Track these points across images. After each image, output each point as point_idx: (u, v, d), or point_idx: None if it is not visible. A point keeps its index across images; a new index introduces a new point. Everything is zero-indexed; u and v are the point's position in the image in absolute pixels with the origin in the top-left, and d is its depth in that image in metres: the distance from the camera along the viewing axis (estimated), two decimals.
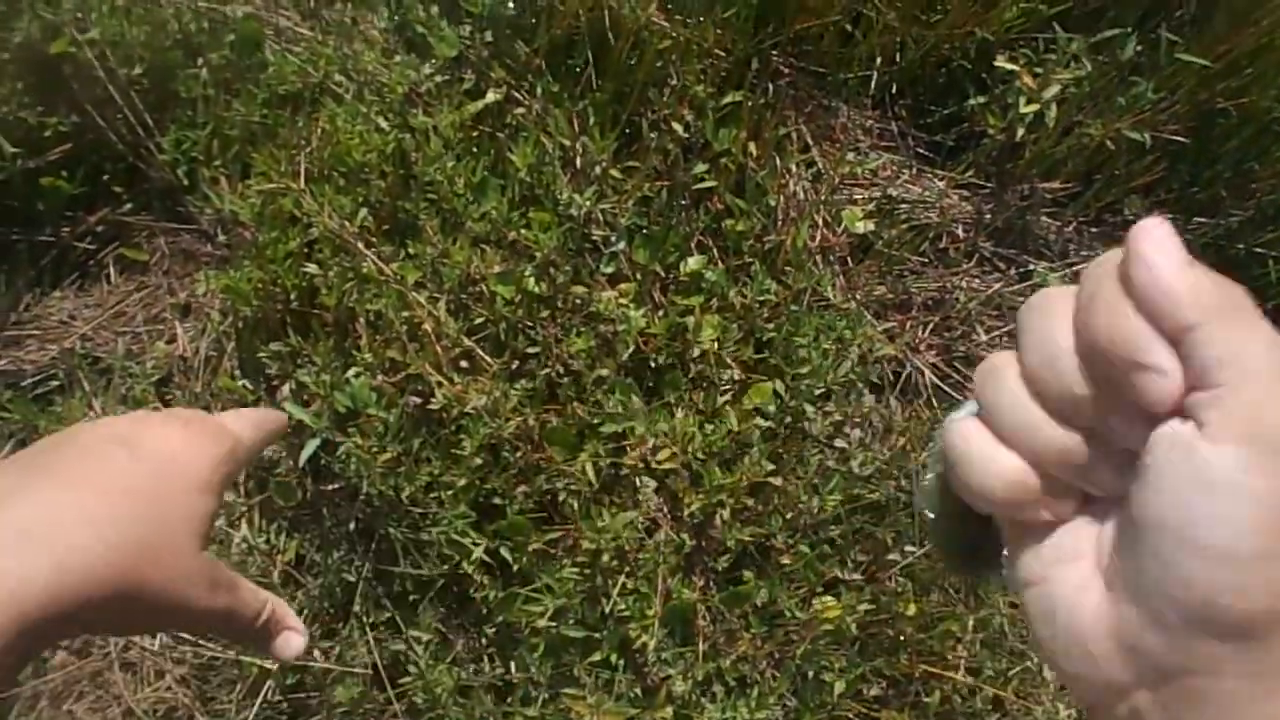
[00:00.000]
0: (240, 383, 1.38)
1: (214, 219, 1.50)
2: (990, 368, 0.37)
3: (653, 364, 1.47)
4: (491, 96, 1.53)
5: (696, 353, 1.47)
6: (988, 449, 0.36)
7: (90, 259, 1.50)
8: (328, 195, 1.39)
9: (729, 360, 1.46)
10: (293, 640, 0.55)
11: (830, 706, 1.44)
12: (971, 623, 1.51)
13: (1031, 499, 0.36)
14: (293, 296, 1.38)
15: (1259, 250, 1.68)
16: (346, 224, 1.39)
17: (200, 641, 1.32)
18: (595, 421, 1.40)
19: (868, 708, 1.48)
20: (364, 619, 1.37)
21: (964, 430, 0.37)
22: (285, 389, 1.35)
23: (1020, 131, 1.60)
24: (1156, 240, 0.32)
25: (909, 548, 1.49)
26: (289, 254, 1.37)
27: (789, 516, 1.41)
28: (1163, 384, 0.31)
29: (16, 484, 0.45)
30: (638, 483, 1.41)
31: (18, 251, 1.47)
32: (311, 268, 1.37)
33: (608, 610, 1.35)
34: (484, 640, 1.42)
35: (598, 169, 1.53)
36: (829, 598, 1.43)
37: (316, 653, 1.35)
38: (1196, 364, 0.31)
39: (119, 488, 0.46)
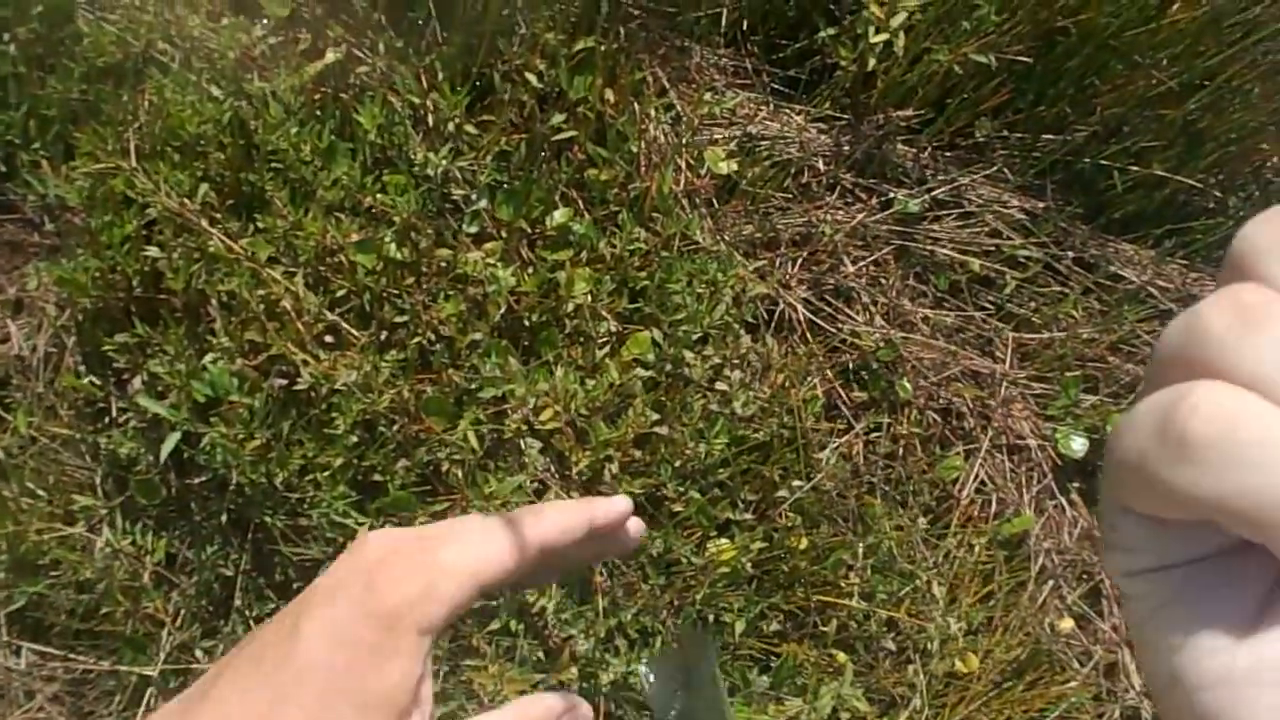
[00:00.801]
0: (86, 379, 1.29)
1: (39, 206, 1.39)
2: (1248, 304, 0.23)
3: (527, 323, 1.44)
4: (331, 56, 1.45)
5: (570, 308, 1.45)
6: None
7: None
8: (163, 172, 1.30)
9: (604, 313, 1.44)
10: None
11: (732, 646, 1.45)
12: (861, 549, 1.54)
13: None
14: (135, 283, 1.30)
15: (1104, 163, 1.74)
16: (186, 202, 1.30)
17: (70, 654, 1.24)
18: (473, 387, 1.36)
19: (768, 643, 1.50)
20: (247, 613, 1.32)
21: (1217, 403, 0.23)
22: (136, 382, 1.27)
23: (871, 62, 1.61)
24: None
25: (796, 483, 1.50)
26: (126, 238, 1.28)
27: (677, 464, 1.40)
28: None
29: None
30: (522, 445, 1.38)
31: None
32: (153, 251, 1.28)
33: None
34: None
35: (451, 126, 1.47)
36: (723, 540, 1.44)
37: (198, 653, 1.29)
38: None
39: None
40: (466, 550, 0.45)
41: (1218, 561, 0.26)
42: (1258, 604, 0.25)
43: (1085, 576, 1.75)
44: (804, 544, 1.49)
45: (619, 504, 0.51)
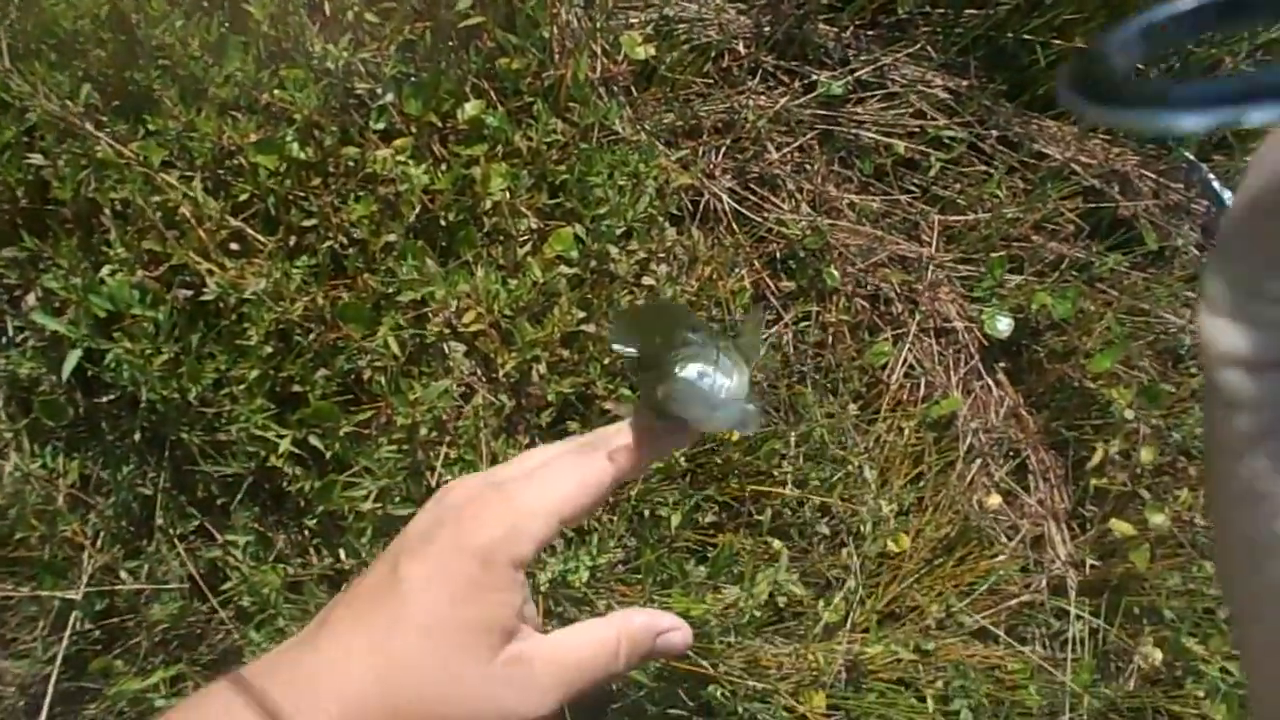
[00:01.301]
0: None
1: None
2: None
3: (443, 223, 1.39)
4: None
5: (488, 205, 1.40)
6: None
7: None
8: (40, 73, 1.21)
9: (523, 209, 1.39)
10: (674, 639, 0.53)
11: (669, 540, 1.45)
12: (794, 438, 1.54)
13: None
14: (20, 194, 1.22)
15: (1026, 37, 1.72)
16: (69, 104, 1.22)
17: None
18: (390, 291, 1.31)
19: (704, 535, 1.51)
20: (170, 531, 1.28)
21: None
22: (30, 298, 1.20)
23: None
24: None
25: None
26: (6, 145, 1.20)
27: (606, 362, 1.38)
28: None
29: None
30: (446, 349, 1.34)
31: None
32: (36, 158, 1.20)
33: (433, 484, 1.31)
34: (307, 533, 1.36)
35: (350, 14, 1.39)
36: None
37: (123, 574, 1.26)
38: None
39: (382, 651, 0.46)
40: (545, 492, 0.49)
41: None
42: None
43: (1012, 454, 1.78)
44: (735, 435, 1.49)
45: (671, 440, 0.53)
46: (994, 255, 1.72)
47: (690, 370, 0.48)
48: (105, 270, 1.18)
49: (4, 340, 1.28)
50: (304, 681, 0.45)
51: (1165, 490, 1.75)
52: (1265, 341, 0.21)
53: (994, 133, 1.75)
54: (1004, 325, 1.72)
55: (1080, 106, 0.23)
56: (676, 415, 0.49)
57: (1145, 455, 1.69)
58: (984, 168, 1.75)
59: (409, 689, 0.45)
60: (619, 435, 0.51)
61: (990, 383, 1.76)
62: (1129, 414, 1.68)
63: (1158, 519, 1.66)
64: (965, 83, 1.74)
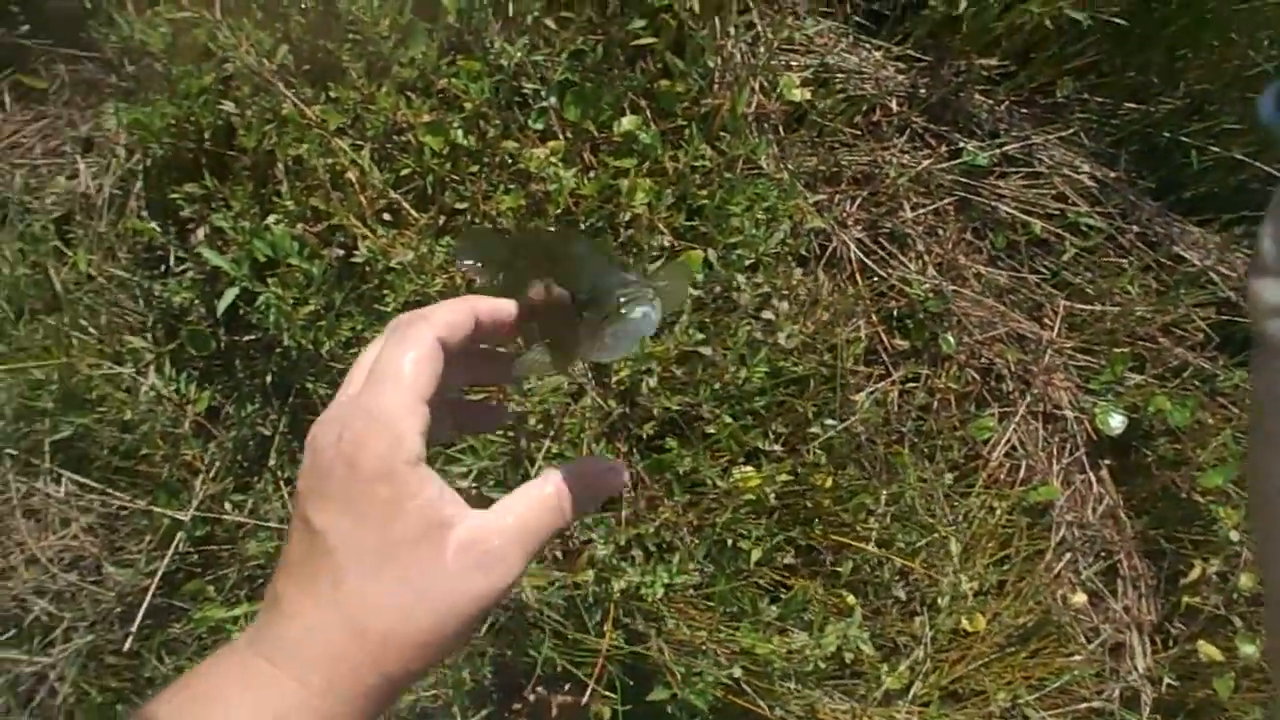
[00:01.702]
0: (151, 224, 1.30)
1: (119, 48, 1.39)
2: None
3: (583, 226, 1.44)
4: None
5: (628, 216, 1.44)
6: None
7: None
8: (245, 29, 1.30)
9: (661, 226, 1.44)
10: (611, 479, 0.54)
11: (745, 573, 1.47)
12: (884, 496, 1.54)
13: None
14: (207, 136, 1.31)
15: (1184, 139, 1.71)
16: (265, 61, 1.30)
17: (109, 490, 1.28)
18: None
19: (781, 575, 1.52)
20: (279, 473, 1.34)
21: None
22: (200, 233, 1.28)
23: (962, 4, 1.58)
24: None
25: (829, 421, 1.50)
26: (203, 90, 1.29)
27: (716, 387, 1.41)
28: None
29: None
30: None
31: None
32: (228, 106, 1.29)
33: (531, 474, 1.35)
34: None
35: (531, 18, 1.46)
36: (749, 468, 1.45)
37: (229, 505, 1.32)
38: None
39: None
40: (398, 386, 0.49)
41: None
42: None
43: (1104, 554, 1.75)
44: (829, 483, 1.49)
45: (504, 305, 0.54)
46: (1117, 350, 1.70)
47: (636, 311, 0.50)
48: (271, 218, 1.25)
49: (163, 268, 1.37)
50: (290, 652, 0.46)
51: (1260, 621, 1.70)
52: None
53: (1135, 228, 1.74)
54: (1116, 423, 1.70)
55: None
56: (597, 350, 0.51)
57: (1244, 581, 1.64)
58: (1119, 261, 1.74)
59: (382, 629, 0.46)
60: (441, 306, 0.52)
61: (1093, 478, 1.73)
62: (1234, 535, 1.63)
63: (1248, 649, 1.61)
64: (1113, 174, 1.73)
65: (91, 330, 1.32)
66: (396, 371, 0.49)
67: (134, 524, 1.28)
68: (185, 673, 0.48)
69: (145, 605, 1.24)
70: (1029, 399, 1.69)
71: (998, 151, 1.69)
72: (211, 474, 1.30)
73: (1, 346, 1.30)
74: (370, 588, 0.46)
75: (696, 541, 1.43)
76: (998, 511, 1.66)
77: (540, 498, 0.51)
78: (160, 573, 1.25)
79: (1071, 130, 1.71)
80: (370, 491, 0.47)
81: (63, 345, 1.27)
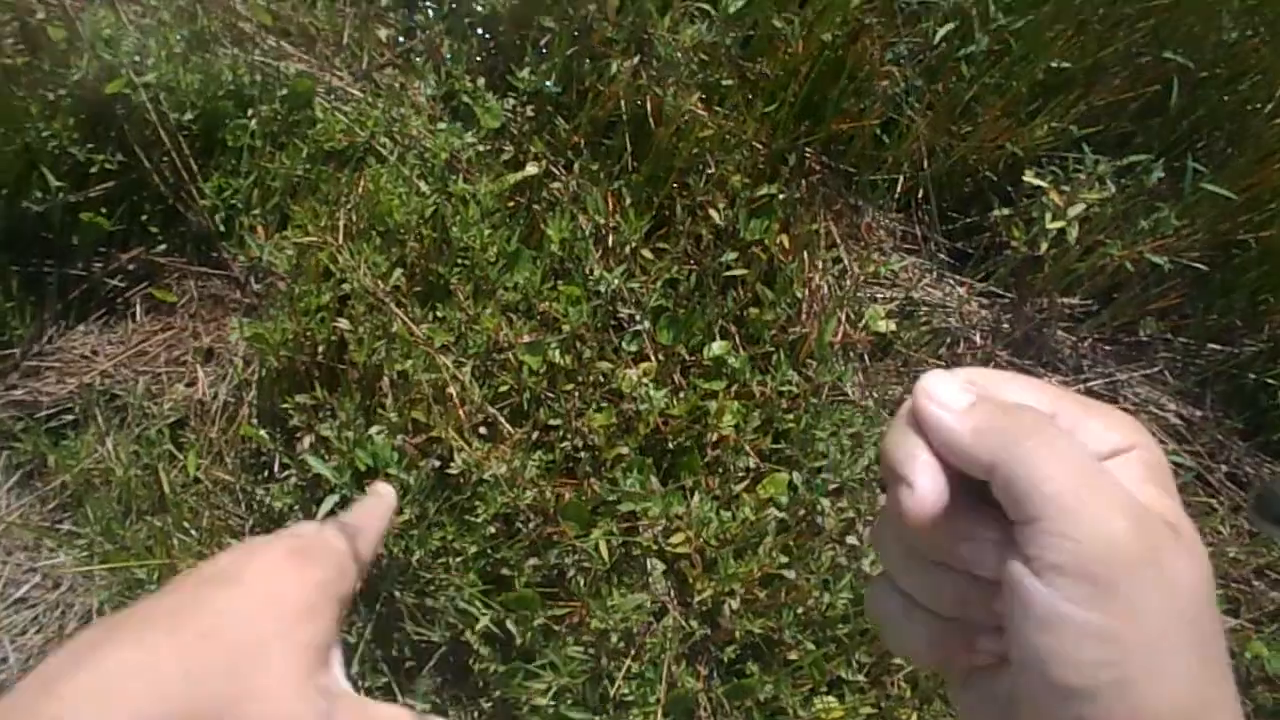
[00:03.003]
0: (261, 431, 1.37)
1: (246, 267, 1.50)
2: (874, 528, 0.38)
3: (671, 445, 1.47)
4: (531, 169, 1.55)
5: (714, 438, 1.48)
6: (896, 620, 0.37)
7: (118, 296, 1.50)
8: (365, 253, 1.40)
9: (748, 448, 1.46)
10: None
11: None
12: None
13: (953, 654, 0.36)
14: (320, 350, 1.38)
15: (1270, 381, 1.71)
16: (380, 283, 1.39)
17: None
18: (610, 499, 1.39)
19: None
20: (359, 683, 1.34)
21: (872, 598, 0.38)
22: (306, 441, 1.34)
23: (1043, 246, 1.63)
24: (937, 393, 0.35)
25: None
26: (321, 307, 1.38)
27: (800, 612, 1.39)
28: (909, 496, 0.33)
29: (104, 636, 0.43)
30: (648, 565, 1.40)
31: (47, 283, 1.47)
32: (343, 323, 1.37)
33: (611, 693, 1.33)
34: (479, 714, 1.40)
35: (629, 248, 1.55)
36: (831, 697, 1.41)
37: None
38: (1010, 499, 0.32)
39: (204, 635, 0.44)
40: (356, 539, 0.52)
41: None
42: None
43: None
44: (914, 719, 1.45)
45: (388, 495, 0.59)
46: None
47: None
48: (374, 429, 1.31)
49: (267, 474, 1.42)
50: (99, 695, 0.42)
51: None
52: None
53: (1223, 467, 1.72)
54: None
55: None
56: None
57: None
58: (1209, 500, 1.71)
59: (216, 697, 0.42)
60: (368, 513, 0.55)
61: None
62: None
63: None
64: (1199, 413, 1.73)
65: (192, 532, 1.36)
66: (350, 543, 0.52)
67: None
68: None
69: None
70: None
71: (1082, 387, 1.70)
72: None
73: (108, 545, 1.35)
74: (246, 656, 0.44)
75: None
76: None
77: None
78: None
79: (1156, 369, 1.73)
80: (302, 591, 0.47)
81: (165, 546, 1.32)
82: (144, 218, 1.49)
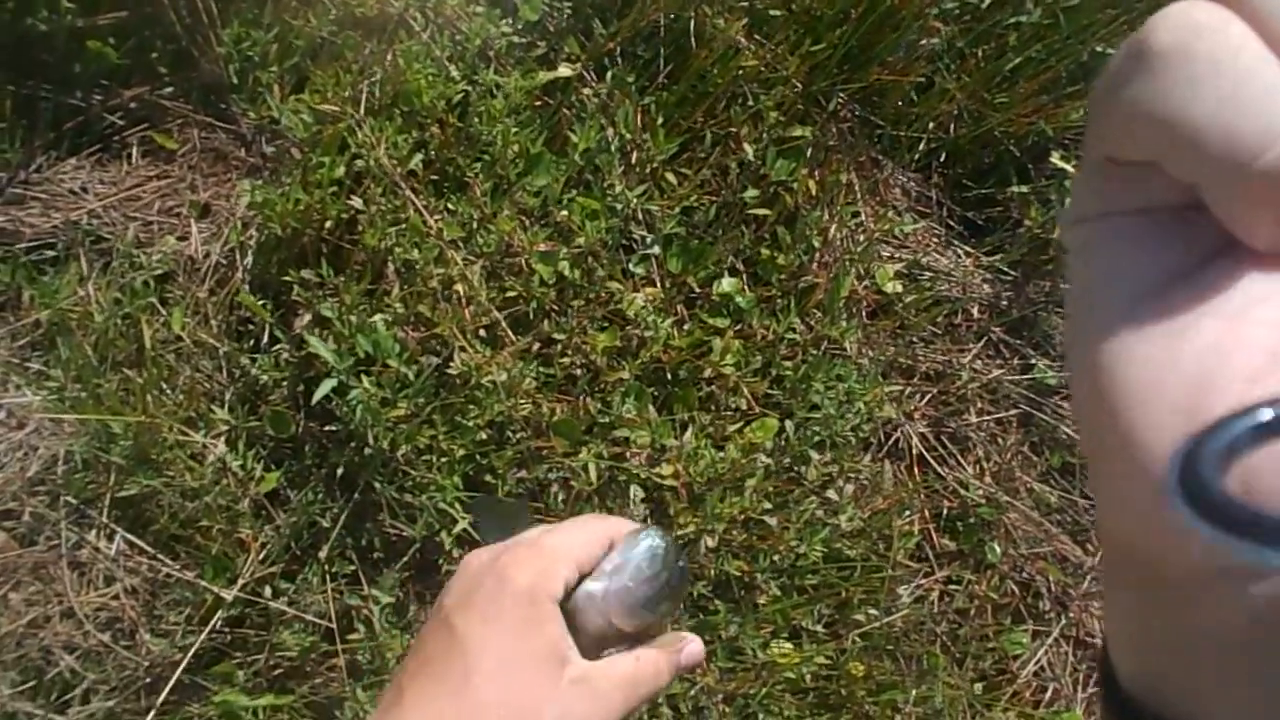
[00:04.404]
0: (258, 301, 1.31)
1: (255, 125, 1.43)
2: None
3: (668, 376, 1.46)
4: (565, 70, 1.50)
5: (711, 374, 1.46)
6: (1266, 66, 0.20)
7: (115, 135, 1.42)
8: (386, 131, 1.34)
9: (744, 389, 1.45)
10: (694, 649, 0.60)
11: None
12: (914, 695, 1.52)
13: None
14: (328, 226, 1.33)
15: None
16: (398, 165, 1.34)
17: (159, 555, 1.26)
18: (604, 421, 1.38)
19: None
20: (327, 567, 1.32)
21: (1186, 13, 0.21)
22: (305, 318, 1.30)
23: (1057, 231, 1.63)
24: None
25: (872, 610, 1.50)
26: (335, 181, 1.32)
27: (774, 558, 1.40)
28: None
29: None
30: (631, 491, 1.39)
31: (41, 110, 1.38)
32: (356, 202, 1.31)
33: None
34: None
35: (650, 168, 1.51)
36: (789, 644, 1.43)
37: (269, 590, 1.30)
38: None
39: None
40: (565, 540, 0.56)
41: (1164, 217, 0.23)
42: (1196, 263, 0.22)
43: None
44: (863, 673, 1.48)
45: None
46: None
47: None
48: (378, 317, 1.26)
49: (252, 343, 1.37)
50: None
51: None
52: (1076, 208, 0.25)
53: None
54: None
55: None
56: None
57: None
58: None
59: None
60: (609, 519, 0.61)
61: None
62: None
63: None
64: None
65: (169, 390, 1.32)
66: (571, 535, 0.57)
67: (176, 593, 1.26)
68: None
69: (174, 680, 1.20)
70: (1064, 621, 1.68)
71: (1067, 374, 1.72)
72: (261, 556, 1.28)
73: (81, 392, 1.29)
74: (493, 692, 0.50)
75: (728, 710, 1.40)
76: None
77: (647, 658, 0.56)
78: (194, 648, 1.22)
79: None
80: (513, 607, 0.53)
81: (141, 401, 1.27)
82: (153, 55, 1.40)
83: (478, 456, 1.33)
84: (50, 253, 1.37)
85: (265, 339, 1.35)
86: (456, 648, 0.52)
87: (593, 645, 0.56)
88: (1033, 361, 1.73)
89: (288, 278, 1.28)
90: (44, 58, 1.36)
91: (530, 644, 0.52)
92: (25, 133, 1.37)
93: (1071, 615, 1.69)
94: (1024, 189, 1.73)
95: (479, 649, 0.52)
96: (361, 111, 1.36)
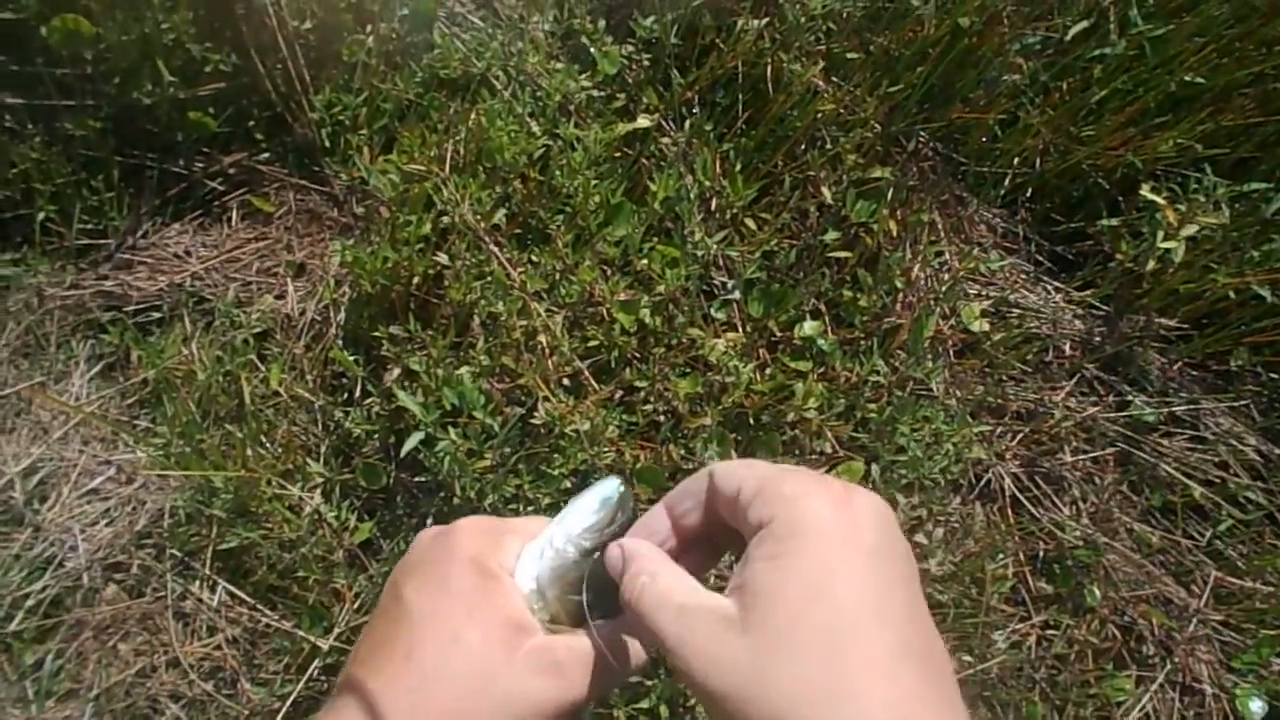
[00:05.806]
0: (349, 356, 1.36)
1: (347, 186, 1.48)
2: None
3: (751, 420, 1.46)
4: (644, 121, 1.52)
5: (795, 418, 1.46)
6: None
7: (216, 200, 1.49)
8: (470, 188, 1.37)
9: (828, 432, 1.45)
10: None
11: None
12: None
13: None
14: (415, 281, 1.37)
15: None
16: (482, 220, 1.37)
17: (258, 605, 1.30)
18: (687, 467, 1.38)
19: None
20: None
21: None
22: (394, 373, 1.33)
23: (1150, 264, 1.59)
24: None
25: (967, 658, 1.46)
26: (422, 238, 1.36)
27: None
28: None
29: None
30: None
31: (147, 177, 1.45)
32: (442, 257, 1.35)
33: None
34: None
35: (730, 214, 1.52)
36: None
37: None
38: None
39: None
40: (519, 524, 0.58)
41: None
42: None
43: None
44: None
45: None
46: (1265, 632, 1.64)
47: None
48: (463, 370, 1.29)
49: (346, 396, 1.42)
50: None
51: None
52: None
53: None
54: (1257, 707, 1.62)
55: None
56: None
57: None
58: (1276, 541, 1.69)
59: (442, 699, 0.48)
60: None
61: None
62: None
63: None
64: (1279, 451, 1.70)
65: (268, 445, 1.36)
66: (529, 523, 0.58)
67: (275, 643, 1.29)
68: None
69: None
70: (1169, 668, 1.62)
71: (1165, 411, 1.67)
72: (356, 605, 1.31)
73: (185, 447, 1.35)
74: (439, 664, 0.49)
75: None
76: None
77: (622, 631, 0.54)
78: (293, 696, 1.25)
79: (1242, 402, 1.69)
80: (461, 575, 0.52)
81: (241, 456, 1.32)
82: (250, 123, 1.47)
83: (562, 504, 1.34)
84: (156, 314, 1.44)
85: (358, 392, 1.39)
86: (404, 619, 0.51)
87: (566, 614, 0.54)
88: (1129, 398, 1.68)
89: (377, 333, 1.32)
90: (148, 128, 1.43)
91: (482, 613, 0.51)
92: (132, 200, 1.44)
93: (1177, 660, 1.63)
94: (1114, 222, 1.69)
95: (427, 619, 0.50)
96: (447, 170, 1.40)
